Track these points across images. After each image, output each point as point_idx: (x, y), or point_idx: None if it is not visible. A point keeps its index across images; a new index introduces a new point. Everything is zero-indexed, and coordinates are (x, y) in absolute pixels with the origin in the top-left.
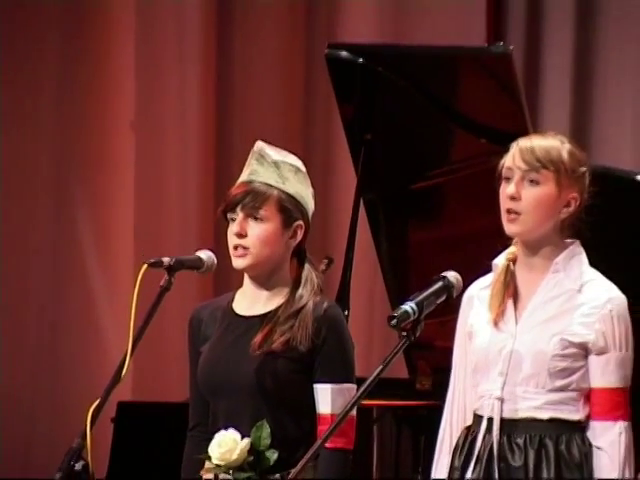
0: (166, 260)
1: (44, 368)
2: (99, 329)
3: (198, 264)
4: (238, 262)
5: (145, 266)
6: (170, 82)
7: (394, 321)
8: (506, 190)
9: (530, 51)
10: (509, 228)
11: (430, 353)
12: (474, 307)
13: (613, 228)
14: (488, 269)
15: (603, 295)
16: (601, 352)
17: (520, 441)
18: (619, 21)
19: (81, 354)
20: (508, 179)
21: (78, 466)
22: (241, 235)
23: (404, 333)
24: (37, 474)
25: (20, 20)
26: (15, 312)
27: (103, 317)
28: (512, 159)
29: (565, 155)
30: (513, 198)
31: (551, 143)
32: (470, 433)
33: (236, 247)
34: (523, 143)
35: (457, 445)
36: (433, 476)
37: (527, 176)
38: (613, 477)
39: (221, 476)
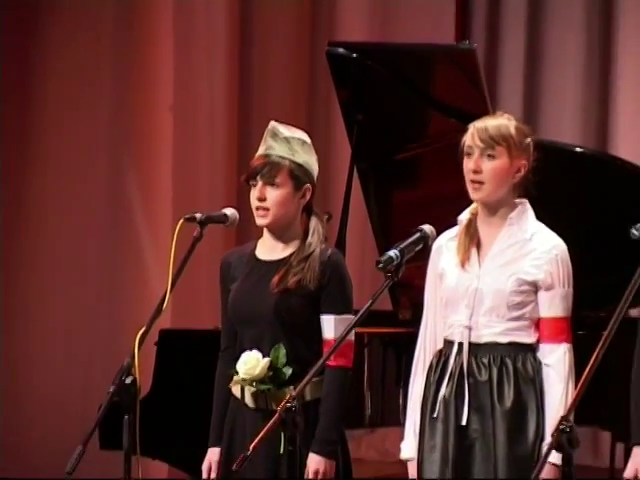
0: (198, 216)
1: (104, 301)
2: (145, 272)
3: (223, 219)
4: (260, 220)
5: (182, 220)
6: (201, 72)
7: (381, 265)
8: (469, 165)
9: (490, 47)
10: (474, 195)
11: (410, 290)
12: (443, 254)
13: (555, 189)
14: (455, 223)
15: (549, 243)
16: (549, 288)
17: (485, 360)
18: (562, 23)
19: (130, 291)
20: (469, 154)
21: (128, 380)
22: (261, 199)
23: (389, 274)
24: (97, 395)
25: (79, 20)
26: (79, 259)
27: (148, 261)
28: (471, 138)
29: (513, 130)
30: (475, 171)
31: (500, 122)
32: (442, 355)
33: (258, 208)
34: (479, 124)
35: (431, 365)
36: (410, 391)
37: (485, 152)
38: (559, 389)
39: (246, 388)
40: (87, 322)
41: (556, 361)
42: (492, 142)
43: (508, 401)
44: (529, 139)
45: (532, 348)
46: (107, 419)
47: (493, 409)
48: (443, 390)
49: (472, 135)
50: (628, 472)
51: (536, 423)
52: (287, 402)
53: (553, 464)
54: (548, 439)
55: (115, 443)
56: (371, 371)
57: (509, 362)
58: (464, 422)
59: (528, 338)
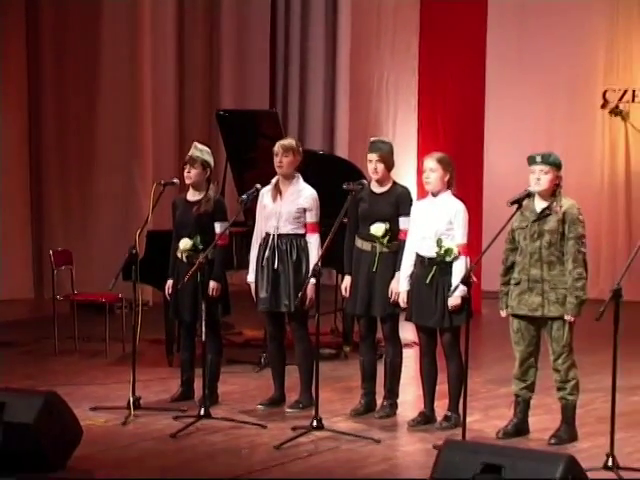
0: (162, 181)
1: (125, 216)
2: (140, 204)
3: (173, 183)
4: (187, 181)
5: (155, 184)
6: (170, 120)
7: (240, 201)
8: (276, 160)
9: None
10: (279, 172)
11: (252, 212)
12: (265, 197)
13: (312, 168)
14: (269, 182)
15: (309, 191)
16: (309, 210)
17: (284, 241)
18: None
19: (136, 213)
20: (277, 155)
21: (134, 251)
22: (189, 172)
23: (242, 205)
24: (122, 253)
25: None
26: (119, 202)
27: (142, 201)
28: (277, 148)
29: (294, 144)
30: (280, 162)
31: (289, 140)
32: (265, 239)
33: (186, 177)
34: (280, 142)
35: (260, 244)
36: (251, 253)
37: (283, 154)
38: (315, 252)
39: (183, 253)
40: (120, 223)
41: (313, 240)
42: (286, 149)
43: (294, 257)
44: (300, 147)
45: (304, 236)
46: (126, 267)
47: (287, 261)
48: (267, 253)
49: (277, 147)
50: (343, 286)
51: (306, 267)
52: (202, 258)
53: (312, 284)
54: (311, 272)
55: (129, 277)
56: (236, 245)
57: (294, 241)
58: (275, 267)
59: (302, 231)
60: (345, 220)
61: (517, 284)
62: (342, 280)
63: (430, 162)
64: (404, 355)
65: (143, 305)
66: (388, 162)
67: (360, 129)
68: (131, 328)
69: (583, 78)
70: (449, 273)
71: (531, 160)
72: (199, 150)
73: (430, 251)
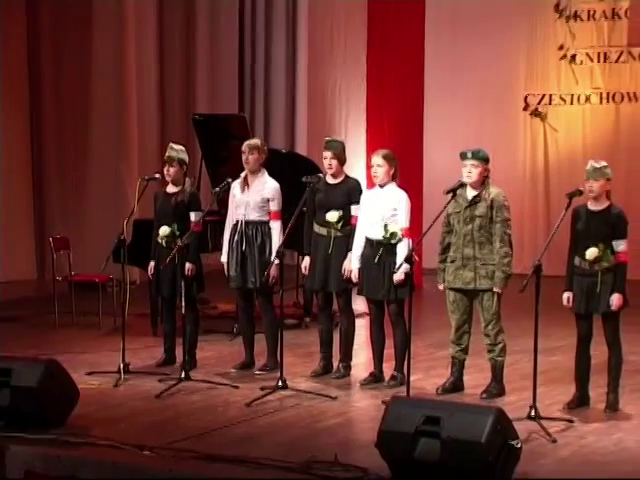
0: (146, 177)
1: (114, 208)
2: (125, 195)
3: (156, 178)
4: (167, 178)
5: (140, 179)
6: (152, 118)
7: (214, 193)
8: (244, 157)
9: (252, 112)
10: (246, 167)
11: (225, 202)
12: (235, 188)
13: (275, 164)
14: (238, 176)
15: (272, 183)
16: (272, 200)
17: (251, 227)
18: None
19: (123, 202)
20: (244, 153)
21: (122, 237)
22: (168, 171)
23: (216, 196)
24: (111, 236)
25: None
26: (109, 194)
27: (129, 195)
28: (245, 147)
29: (260, 144)
30: (247, 159)
31: (255, 140)
32: (234, 226)
33: (166, 174)
34: (247, 142)
35: (231, 229)
36: (225, 236)
37: (249, 152)
38: (277, 237)
39: (163, 239)
40: (111, 213)
41: (276, 226)
42: (253, 148)
43: (259, 241)
44: (265, 146)
45: (268, 222)
46: (115, 251)
47: (253, 244)
48: (236, 237)
49: (245, 146)
50: (303, 265)
51: (269, 249)
52: (180, 243)
53: (276, 264)
54: (275, 254)
55: (118, 260)
56: (211, 231)
57: (259, 228)
58: (243, 249)
59: (266, 218)
60: (304, 209)
61: (452, 262)
62: (302, 260)
63: (377, 159)
64: (356, 324)
65: (131, 284)
66: (341, 158)
67: (317, 129)
68: (121, 304)
69: (508, 85)
70: (394, 253)
71: (463, 156)
72: (175, 150)
73: (378, 234)
